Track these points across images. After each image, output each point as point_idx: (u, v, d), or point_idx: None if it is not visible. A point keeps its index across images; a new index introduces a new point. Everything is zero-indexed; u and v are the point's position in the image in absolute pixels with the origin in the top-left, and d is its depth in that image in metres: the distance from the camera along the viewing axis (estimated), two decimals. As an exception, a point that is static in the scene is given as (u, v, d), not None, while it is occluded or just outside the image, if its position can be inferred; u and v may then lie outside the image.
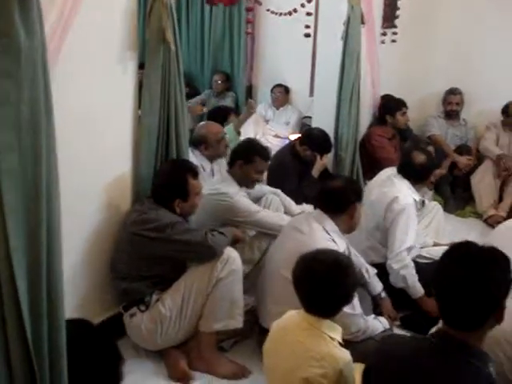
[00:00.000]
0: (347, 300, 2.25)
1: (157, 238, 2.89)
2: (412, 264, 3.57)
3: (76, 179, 2.75)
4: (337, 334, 2.21)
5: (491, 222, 5.16)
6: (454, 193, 5.59)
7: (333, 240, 2.96)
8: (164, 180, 3.06)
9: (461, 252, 1.79)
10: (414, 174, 3.77)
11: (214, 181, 3.77)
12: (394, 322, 3.36)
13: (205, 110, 6.41)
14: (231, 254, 2.99)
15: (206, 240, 2.92)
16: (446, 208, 5.31)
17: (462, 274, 1.71)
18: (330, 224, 3.01)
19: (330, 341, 2.16)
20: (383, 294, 3.44)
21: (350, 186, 3.15)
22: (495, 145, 5.44)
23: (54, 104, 1.71)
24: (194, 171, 3.09)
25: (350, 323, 2.85)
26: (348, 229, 3.10)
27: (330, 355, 2.12)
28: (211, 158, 4.25)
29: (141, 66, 3.14)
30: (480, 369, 1.71)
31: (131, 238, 2.95)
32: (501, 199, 5.31)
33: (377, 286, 3.45)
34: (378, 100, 5.37)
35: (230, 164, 3.74)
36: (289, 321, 2.31)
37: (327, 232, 2.98)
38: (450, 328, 1.76)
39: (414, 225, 3.69)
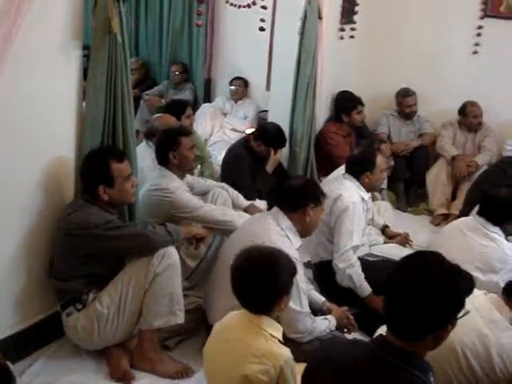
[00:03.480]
0: (282, 291, 2.20)
1: (91, 236, 2.82)
2: (358, 263, 3.56)
3: (14, 170, 2.68)
4: (277, 331, 2.19)
5: (434, 223, 5.23)
6: (410, 190, 5.62)
7: (287, 236, 2.96)
8: (85, 167, 2.96)
9: (420, 262, 1.75)
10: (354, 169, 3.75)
11: (154, 176, 3.67)
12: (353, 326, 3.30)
13: (163, 101, 6.32)
14: (168, 248, 2.93)
15: (145, 231, 2.88)
16: (399, 205, 5.36)
17: (415, 286, 1.67)
18: (286, 221, 3.01)
19: (270, 338, 2.15)
20: (328, 304, 3.35)
21: (309, 187, 3.13)
22: (451, 143, 5.49)
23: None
24: (117, 155, 2.97)
25: (296, 320, 2.84)
26: (303, 230, 3.08)
27: (270, 352, 2.10)
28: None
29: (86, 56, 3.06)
30: (419, 378, 1.68)
31: (64, 237, 2.88)
32: (455, 197, 5.35)
33: (317, 297, 3.36)
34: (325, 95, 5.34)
35: (163, 162, 3.63)
36: (229, 320, 2.29)
37: (282, 228, 2.98)
38: (392, 335, 1.74)
39: (360, 224, 3.68)
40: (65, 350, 3.05)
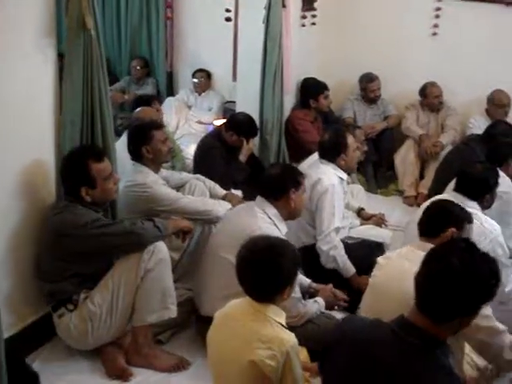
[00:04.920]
0: (287, 282, 2.22)
1: (79, 236, 2.80)
2: (341, 244, 3.63)
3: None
4: (281, 318, 2.22)
5: (407, 203, 5.35)
6: (378, 172, 5.73)
7: (274, 224, 3.01)
8: (65, 170, 2.93)
9: (465, 246, 1.80)
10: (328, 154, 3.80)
11: (129, 172, 3.62)
12: (341, 301, 3.37)
13: (126, 97, 6.27)
14: (157, 243, 2.93)
15: (135, 227, 2.87)
16: (369, 187, 5.45)
17: (459, 266, 1.70)
18: (271, 209, 3.06)
19: (275, 324, 2.17)
20: (314, 284, 3.41)
21: (288, 174, 3.16)
22: (416, 125, 5.61)
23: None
24: (96, 155, 2.93)
25: (290, 306, 2.86)
26: (288, 215, 3.13)
27: (277, 337, 2.12)
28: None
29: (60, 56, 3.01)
30: (442, 360, 1.71)
31: (51, 239, 2.85)
32: (422, 177, 5.48)
33: (303, 280, 3.40)
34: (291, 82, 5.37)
35: (137, 157, 3.60)
36: (233, 308, 2.29)
37: (269, 217, 3.02)
38: (419, 314, 1.75)
39: (341, 205, 3.75)
40: (58, 352, 3.02)
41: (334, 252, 3.59)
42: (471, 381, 2.60)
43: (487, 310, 2.45)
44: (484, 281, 1.72)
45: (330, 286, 3.39)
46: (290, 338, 2.15)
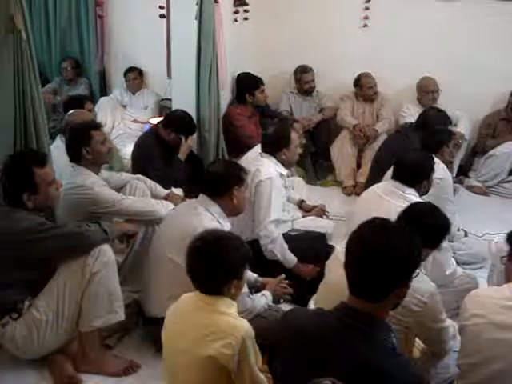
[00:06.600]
0: (235, 273, 2.25)
1: (24, 242, 2.71)
2: (280, 237, 3.65)
3: None
4: (233, 309, 2.25)
5: (346, 193, 5.46)
6: (316, 163, 5.81)
7: (217, 221, 3.01)
8: (7, 175, 2.84)
9: (376, 224, 1.85)
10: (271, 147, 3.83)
11: (67, 174, 3.54)
12: (285, 294, 3.39)
13: (58, 98, 6.12)
14: (102, 246, 2.89)
15: (81, 230, 2.83)
16: (308, 179, 5.51)
17: (376, 244, 1.76)
18: (214, 207, 3.05)
19: (226, 314, 2.20)
20: (260, 279, 3.42)
21: (230, 171, 3.15)
22: (351, 115, 5.70)
23: None
24: (39, 160, 2.87)
25: (238, 301, 2.85)
26: (231, 211, 3.13)
27: (230, 326, 2.15)
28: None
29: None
30: (385, 340, 1.76)
31: None
32: (359, 166, 5.59)
33: (249, 275, 3.35)
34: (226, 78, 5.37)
35: (76, 159, 3.51)
36: (185, 303, 2.30)
37: (212, 214, 3.02)
38: (356, 298, 1.80)
39: (280, 197, 3.77)
40: (2, 363, 2.93)
41: (271, 246, 3.61)
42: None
43: (443, 314, 2.56)
44: (404, 250, 1.78)
45: (282, 276, 3.40)
46: (243, 324, 2.18)
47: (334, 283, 2.55)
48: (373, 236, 1.79)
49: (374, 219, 1.88)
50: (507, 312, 2.18)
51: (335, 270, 2.62)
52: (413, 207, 2.83)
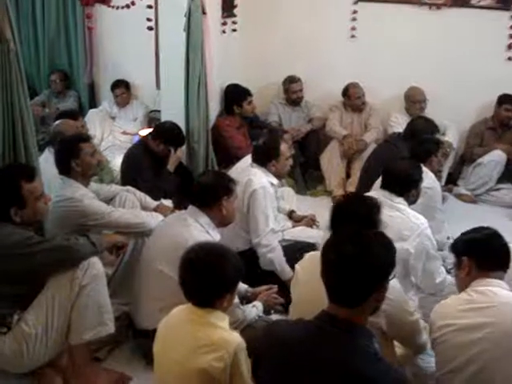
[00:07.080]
0: (228, 287, 2.25)
1: (12, 256, 2.68)
2: (279, 247, 3.67)
3: None
4: (225, 322, 2.24)
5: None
6: (306, 173, 5.82)
7: (207, 232, 3.01)
8: None
9: (351, 231, 1.90)
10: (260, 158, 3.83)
11: (56, 187, 3.54)
12: (276, 304, 3.38)
13: (46, 110, 6.11)
14: (91, 259, 2.86)
15: (70, 243, 2.80)
16: (298, 189, 5.52)
17: (351, 250, 1.79)
18: (204, 217, 3.05)
19: (218, 327, 2.19)
20: (251, 289, 3.42)
21: (218, 181, 3.16)
22: (339, 125, 5.72)
23: None
24: (27, 174, 2.83)
25: (229, 312, 2.85)
26: (220, 222, 3.14)
27: (222, 339, 2.14)
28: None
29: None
30: (366, 346, 1.77)
31: None
32: (349, 176, 5.60)
33: (240, 286, 3.33)
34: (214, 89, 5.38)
35: (65, 171, 3.50)
36: (176, 317, 2.29)
37: (201, 225, 3.02)
38: (335, 305, 1.82)
39: (273, 207, 3.78)
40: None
41: (271, 255, 3.63)
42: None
43: (409, 304, 2.58)
44: (379, 255, 1.82)
45: (274, 287, 3.40)
46: (235, 338, 2.17)
47: (300, 302, 2.58)
48: (347, 240, 1.83)
49: (349, 227, 1.92)
50: (468, 313, 2.27)
51: (297, 290, 2.65)
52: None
